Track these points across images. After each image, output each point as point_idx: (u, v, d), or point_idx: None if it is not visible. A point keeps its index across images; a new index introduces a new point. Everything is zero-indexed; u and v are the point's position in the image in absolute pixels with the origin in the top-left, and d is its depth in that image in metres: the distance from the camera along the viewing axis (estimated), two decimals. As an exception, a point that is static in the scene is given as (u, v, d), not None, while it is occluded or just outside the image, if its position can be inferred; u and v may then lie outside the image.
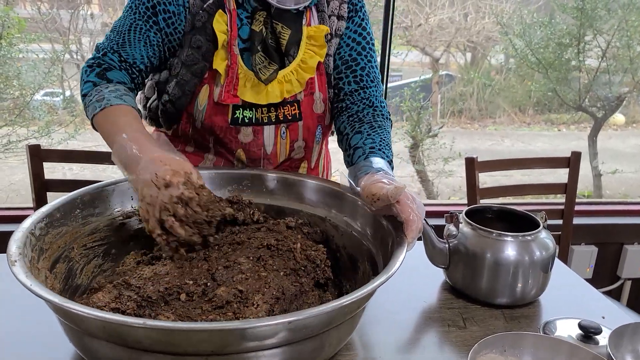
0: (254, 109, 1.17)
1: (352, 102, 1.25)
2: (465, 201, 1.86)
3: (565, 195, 1.89)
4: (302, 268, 0.97)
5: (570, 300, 1.17)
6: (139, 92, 1.26)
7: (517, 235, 1.09)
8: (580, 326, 0.99)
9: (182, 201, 0.87)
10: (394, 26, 2.25)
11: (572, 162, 1.86)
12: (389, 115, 1.27)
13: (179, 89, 1.15)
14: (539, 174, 2.12)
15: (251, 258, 0.94)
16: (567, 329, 1.02)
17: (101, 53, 1.11)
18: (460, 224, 1.14)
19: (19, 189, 4.52)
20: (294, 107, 1.20)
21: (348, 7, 1.23)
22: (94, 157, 1.66)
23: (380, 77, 1.30)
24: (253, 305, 0.83)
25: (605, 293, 2.34)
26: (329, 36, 1.21)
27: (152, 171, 0.87)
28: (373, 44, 1.27)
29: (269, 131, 1.20)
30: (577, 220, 2.27)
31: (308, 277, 0.97)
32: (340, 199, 1.11)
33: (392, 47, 2.18)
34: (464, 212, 1.16)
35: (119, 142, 0.93)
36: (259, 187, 1.18)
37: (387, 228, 0.96)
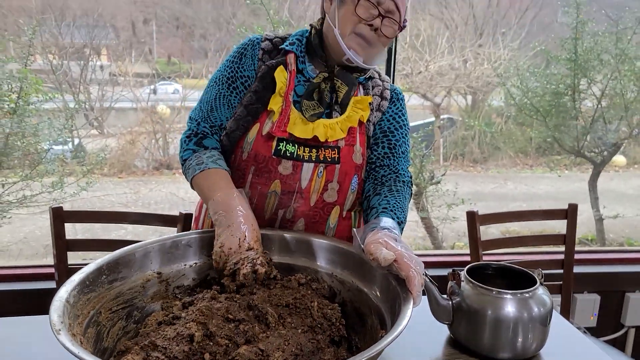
0: (296, 145, 1.29)
1: (379, 167, 1.38)
2: (467, 250, 1.93)
3: (565, 245, 1.95)
4: (319, 325, 1.03)
5: (569, 353, 1.22)
6: None
7: (515, 293, 1.15)
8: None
9: (252, 261, 1.12)
10: (395, 74, 2.39)
11: (569, 214, 1.93)
12: (411, 183, 1.40)
13: (235, 122, 1.32)
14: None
15: (270, 317, 1.01)
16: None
17: (195, 123, 1.35)
18: (462, 282, 1.21)
19: (30, 240, 4.61)
20: (334, 151, 1.32)
21: (391, 94, 1.42)
22: (114, 217, 1.75)
23: (409, 154, 1.45)
24: None
25: (609, 341, 2.38)
26: (372, 105, 1.38)
27: (242, 232, 1.14)
28: (409, 128, 1.45)
29: (307, 168, 1.30)
30: (579, 269, 2.33)
31: (324, 334, 1.03)
32: (346, 256, 1.19)
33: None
34: (465, 270, 1.23)
35: (215, 199, 1.20)
36: (269, 245, 1.26)
37: (393, 284, 1.04)
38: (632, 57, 4.05)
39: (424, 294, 1.17)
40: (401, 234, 1.23)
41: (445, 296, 1.21)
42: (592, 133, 4.25)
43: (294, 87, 1.32)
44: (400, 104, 1.44)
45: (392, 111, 1.42)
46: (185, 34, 7.95)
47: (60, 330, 0.82)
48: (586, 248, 3.15)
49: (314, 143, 1.30)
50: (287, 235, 1.27)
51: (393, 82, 2.32)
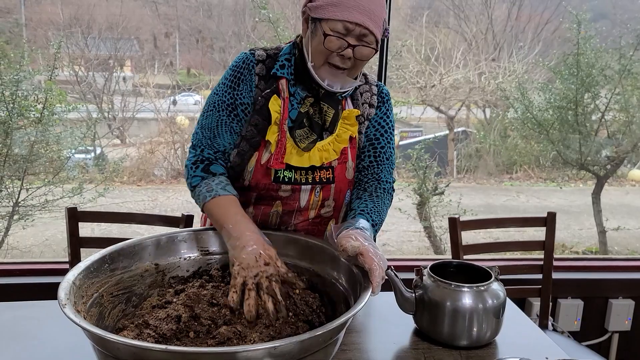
0: (293, 171, 1.40)
1: (363, 175, 1.50)
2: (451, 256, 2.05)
3: (543, 251, 2.06)
4: (301, 312, 1.18)
5: (521, 342, 1.34)
6: None
7: (472, 286, 1.29)
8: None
9: (270, 276, 1.19)
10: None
11: (548, 221, 2.04)
12: (392, 190, 1.52)
13: (239, 157, 1.40)
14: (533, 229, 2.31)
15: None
16: (513, 367, 1.20)
17: (199, 150, 1.40)
18: (424, 277, 1.34)
19: (51, 243, 4.83)
20: (328, 172, 1.43)
21: (377, 99, 1.50)
22: (122, 218, 1.92)
23: (395, 157, 1.55)
24: (250, 342, 1.05)
25: (594, 346, 2.47)
26: (362, 118, 1.46)
27: (257, 250, 1.22)
28: (394, 129, 1.54)
29: (305, 189, 1.43)
30: (563, 275, 2.43)
31: (304, 321, 1.18)
32: (322, 252, 1.33)
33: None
34: (428, 267, 1.37)
35: (227, 228, 1.28)
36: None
37: (357, 276, 1.18)
38: (635, 72, 4.13)
39: (390, 287, 1.31)
40: (375, 235, 1.38)
41: (409, 289, 1.34)
42: (596, 147, 4.33)
43: (288, 113, 1.38)
44: (387, 106, 1.51)
45: (378, 116, 1.49)
46: (206, 47, 8.18)
47: (65, 304, 0.98)
48: (571, 256, 3.23)
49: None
50: (271, 234, 1.38)
51: (383, 82, 2.41)
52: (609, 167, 4.36)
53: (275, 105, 1.38)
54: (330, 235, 1.28)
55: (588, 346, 2.24)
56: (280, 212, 1.44)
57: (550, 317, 2.15)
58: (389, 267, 1.20)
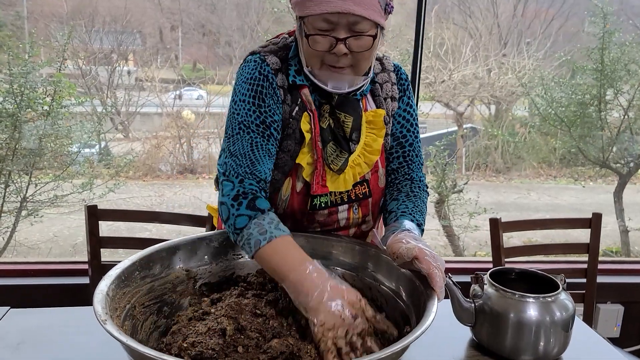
0: (328, 194, 1.28)
1: (395, 177, 1.37)
2: (489, 258, 1.94)
3: (588, 254, 1.95)
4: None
5: (590, 358, 1.23)
6: None
7: (538, 297, 1.17)
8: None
9: (362, 332, 0.98)
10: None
11: (593, 222, 1.93)
12: (426, 187, 1.39)
13: (272, 187, 1.25)
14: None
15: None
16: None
17: (237, 181, 1.14)
18: (485, 285, 1.23)
19: (58, 240, 4.73)
20: (363, 186, 1.31)
21: (398, 88, 1.34)
22: (146, 217, 1.81)
23: (422, 153, 1.41)
24: (307, 356, 0.94)
25: (634, 352, 2.36)
26: (387, 118, 1.32)
27: (339, 303, 0.97)
28: (417, 117, 1.39)
29: (342, 209, 1.31)
30: (602, 279, 2.32)
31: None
32: (374, 257, 1.22)
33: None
34: (488, 274, 1.25)
35: (291, 280, 1.02)
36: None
37: (417, 283, 1.07)
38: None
39: (447, 296, 1.19)
40: (421, 236, 1.26)
41: (468, 299, 1.23)
42: (619, 144, 4.21)
43: (319, 126, 1.24)
44: (408, 94, 1.36)
45: (401, 109, 1.35)
46: (210, 41, 8.08)
47: (106, 321, 0.87)
48: (610, 258, 3.12)
49: None
50: (308, 237, 1.29)
51: (418, 89, 2.30)
52: (632, 165, 4.24)
53: (305, 125, 1.23)
54: (375, 240, 1.17)
55: (628, 352, 2.13)
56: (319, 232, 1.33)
57: (589, 323, 2.04)
58: (446, 271, 1.08)
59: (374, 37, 1.13)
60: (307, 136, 1.22)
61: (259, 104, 1.20)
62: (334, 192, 1.27)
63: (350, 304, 0.98)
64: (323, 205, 1.28)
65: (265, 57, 1.23)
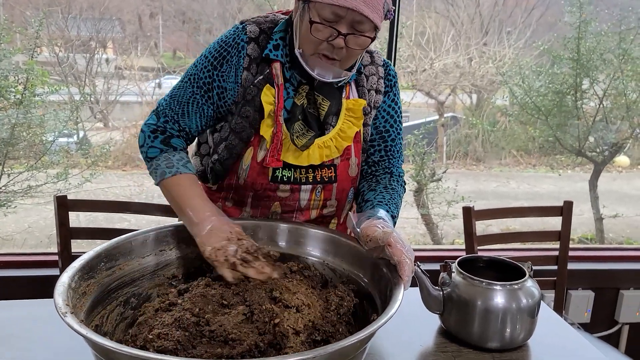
0: (292, 169, 1.29)
1: (374, 169, 1.40)
2: (464, 246, 1.95)
3: (559, 241, 1.98)
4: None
5: (556, 343, 1.25)
6: (193, 155, 1.42)
7: (505, 284, 1.18)
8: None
9: (247, 249, 1.13)
10: (399, 71, 2.41)
11: (564, 210, 1.96)
12: (404, 183, 1.42)
13: (227, 151, 1.28)
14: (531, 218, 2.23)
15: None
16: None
17: (162, 119, 1.28)
18: (452, 273, 1.23)
19: (34, 230, 4.65)
20: (330, 170, 1.32)
21: (385, 83, 1.37)
22: (117, 207, 1.78)
23: (402, 147, 1.45)
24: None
25: (603, 337, 2.40)
26: (368, 108, 1.34)
27: (226, 229, 1.15)
28: (402, 114, 1.42)
29: (305, 189, 1.32)
30: (574, 266, 2.35)
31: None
32: (338, 245, 1.23)
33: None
34: (456, 262, 1.26)
35: (187, 214, 1.20)
36: (265, 235, 1.29)
37: (384, 270, 1.07)
38: (634, 57, 4.06)
39: (415, 284, 1.20)
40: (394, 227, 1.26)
41: (436, 287, 1.24)
42: (594, 133, 4.26)
43: (284, 102, 1.26)
44: (394, 90, 1.39)
45: (386, 104, 1.38)
46: (191, 29, 7.96)
47: (66, 313, 0.85)
48: (582, 245, 3.17)
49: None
50: (279, 225, 1.30)
51: (393, 63, 2.27)
52: (606, 153, 4.30)
53: (268, 97, 1.25)
54: (350, 222, 1.17)
55: (597, 338, 2.17)
56: (279, 213, 1.34)
57: (560, 309, 2.07)
58: (415, 259, 1.09)
59: (372, 39, 1.18)
60: (267, 108, 1.25)
61: (215, 65, 1.26)
62: (299, 169, 1.29)
63: (237, 232, 1.16)
64: (285, 180, 1.29)
65: (247, 25, 1.27)
